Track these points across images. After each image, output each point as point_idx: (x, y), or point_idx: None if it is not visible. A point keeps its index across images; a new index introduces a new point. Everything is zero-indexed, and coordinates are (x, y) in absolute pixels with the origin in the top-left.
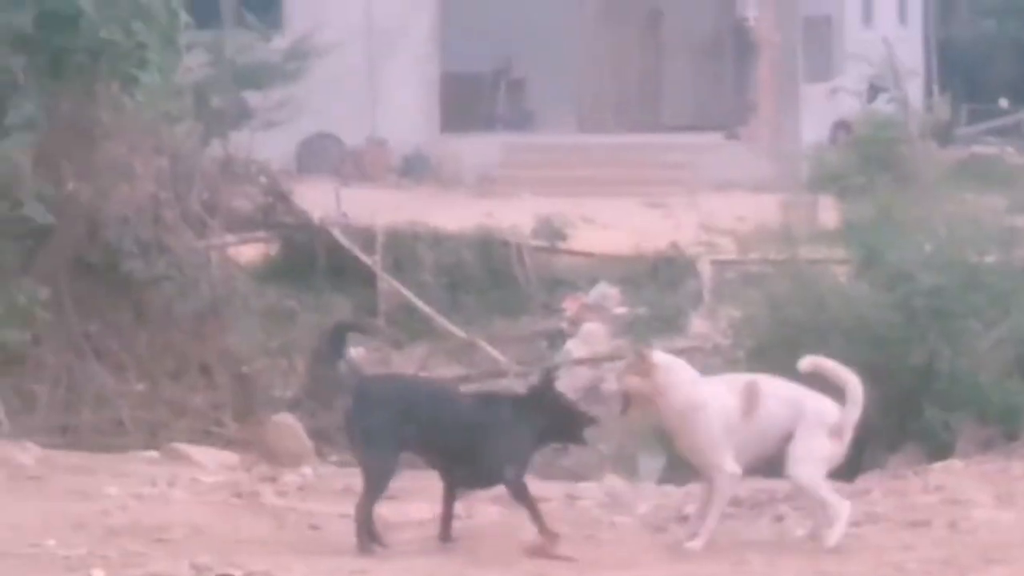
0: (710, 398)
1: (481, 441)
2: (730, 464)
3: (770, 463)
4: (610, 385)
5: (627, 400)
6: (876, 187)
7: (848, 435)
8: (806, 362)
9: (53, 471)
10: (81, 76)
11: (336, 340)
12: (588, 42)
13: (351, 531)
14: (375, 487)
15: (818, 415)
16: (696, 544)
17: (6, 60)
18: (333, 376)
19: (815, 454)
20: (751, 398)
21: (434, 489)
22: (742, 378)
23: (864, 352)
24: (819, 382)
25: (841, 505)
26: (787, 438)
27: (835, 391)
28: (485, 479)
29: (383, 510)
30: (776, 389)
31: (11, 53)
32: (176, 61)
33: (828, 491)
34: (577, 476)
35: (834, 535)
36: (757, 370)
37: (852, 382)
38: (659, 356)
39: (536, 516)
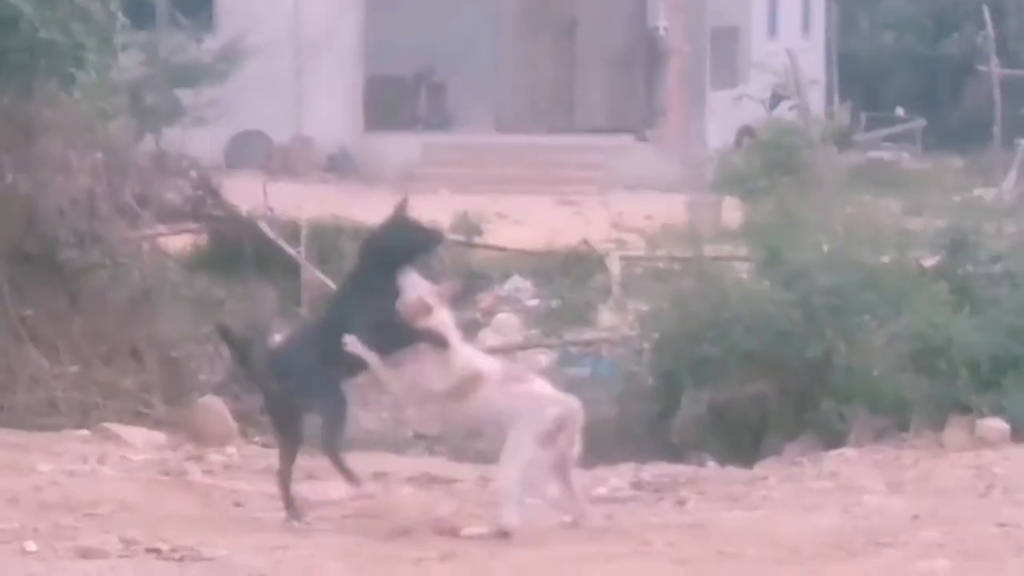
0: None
1: None
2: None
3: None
4: None
5: None
6: (778, 189)
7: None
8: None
9: None
10: (20, 74)
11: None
12: (506, 48)
13: (274, 508)
14: None
15: (530, 418)
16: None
17: None
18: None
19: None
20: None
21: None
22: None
23: (764, 345)
24: None
25: (512, 520)
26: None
27: None
28: None
29: (303, 489)
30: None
31: None
32: (112, 60)
33: (514, 502)
34: (489, 459)
35: (479, 532)
36: (663, 361)
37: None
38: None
39: None
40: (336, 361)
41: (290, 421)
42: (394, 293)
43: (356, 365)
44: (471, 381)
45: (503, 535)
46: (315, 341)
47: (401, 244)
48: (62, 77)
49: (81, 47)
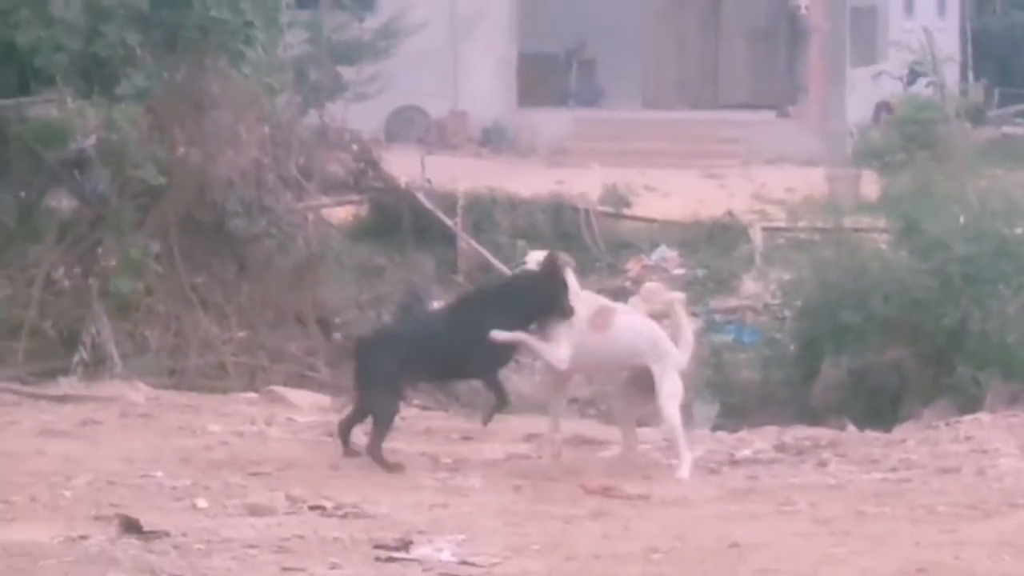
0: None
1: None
2: (563, 352)
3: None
4: None
5: None
6: (915, 163)
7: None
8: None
9: (162, 409)
10: (192, 51)
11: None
12: (654, 26)
13: (431, 468)
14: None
15: (671, 357)
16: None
17: (123, 35)
18: None
19: (676, 391)
20: (601, 319)
21: (505, 432)
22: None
23: (901, 314)
24: None
25: (687, 453)
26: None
27: None
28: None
29: (461, 448)
30: (631, 323)
31: (128, 29)
32: (278, 38)
33: (682, 435)
34: (638, 423)
35: (683, 473)
36: (804, 328)
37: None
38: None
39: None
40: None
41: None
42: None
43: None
44: (606, 310)
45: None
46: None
47: (534, 300)
48: (232, 54)
49: (250, 25)
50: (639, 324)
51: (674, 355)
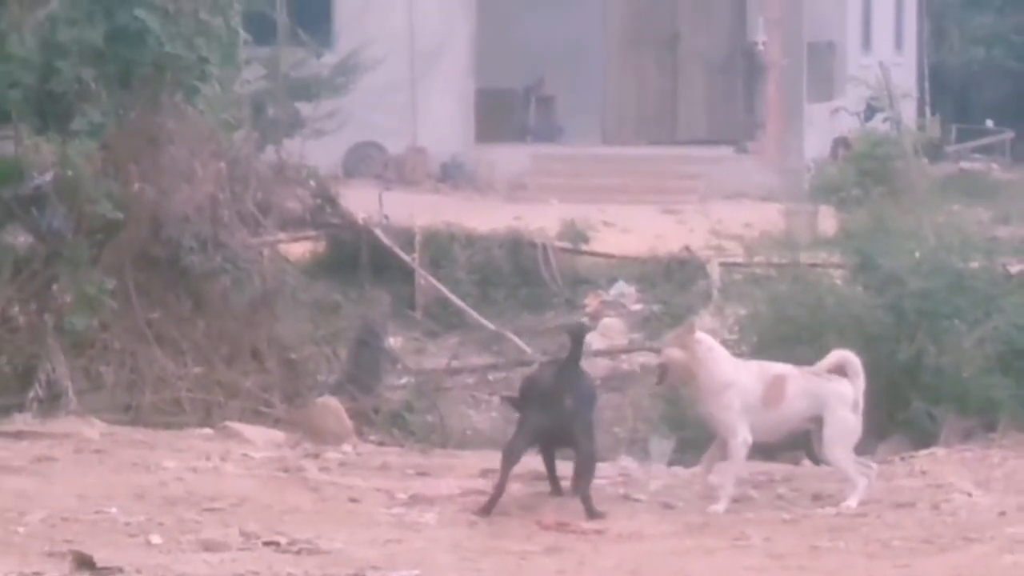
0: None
1: None
2: (744, 433)
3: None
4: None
5: (665, 370)
6: (871, 198)
7: (861, 406)
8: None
9: (116, 445)
10: (147, 86)
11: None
12: (612, 63)
13: (387, 504)
14: None
15: (839, 396)
16: (718, 507)
17: (78, 71)
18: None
19: (843, 433)
20: (776, 390)
21: (461, 467)
22: (772, 369)
23: (857, 348)
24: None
25: (861, 481)
26: (808, 422)
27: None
28: None
29: (416, 484)
30: (800, 383)
31: (83, 65)
32: (235, 74)
33: (851, 468)
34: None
35: (850, 504)
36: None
37: (853, 361)
38: (701, 333)
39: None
40: None
41: None
42: None
43: None
44: (779, 381)
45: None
46: None
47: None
48: (187, 90)
49: (205, 61)
50: (811, 385)
51: (841, 393)
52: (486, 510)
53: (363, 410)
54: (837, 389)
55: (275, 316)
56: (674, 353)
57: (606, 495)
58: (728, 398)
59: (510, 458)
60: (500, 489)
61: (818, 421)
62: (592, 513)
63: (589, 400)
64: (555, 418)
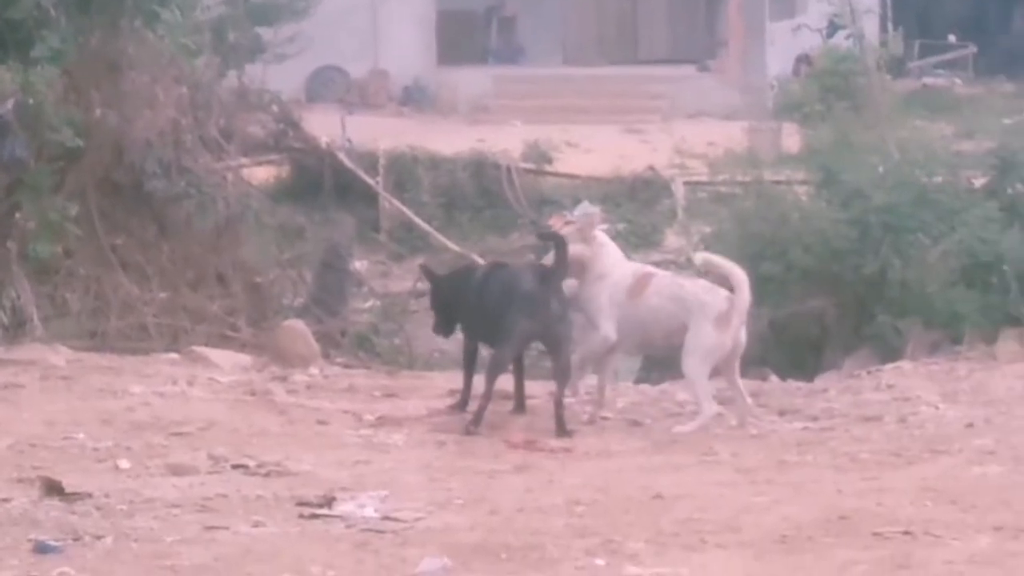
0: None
1: None
2: (607, 329)
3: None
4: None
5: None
6: (835, 115)
7: (737, 322)
8: (698, 258)
9: (83, 372)
10: (106, 12)
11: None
12: None
13: (354, 425)
14: None
15: (702, 307)
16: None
17: None
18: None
19: (701, 345)
20: (639, 285)
21: (428, 388)
22: (645, 269)
23: (822, 263)
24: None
25: (707, 407)
26: (676, 330)
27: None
28: None
29: (384, 405)
30: (663, 283)
31: None
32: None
33: (702, 389)
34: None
35: (688, 428)
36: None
37: (738, 275)
38: (599, 230)
39: None
40: None
41: None
42: None
43: None
44: (644, 277)
45: (707, 421)
46: None
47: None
48: (146, 15)
49: None
50: (674, 289)
51: (707, 306)
52: (475, 422)
53: (329, 333)
54: (701, 298)
55: (240, 240)
56: (575, 244)
57: (574, 413)
58: (599, 289)
59: (502, 365)
60: (487, 399)
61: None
62: (562, 425)
63: (568, 306)
64: (543, 322)
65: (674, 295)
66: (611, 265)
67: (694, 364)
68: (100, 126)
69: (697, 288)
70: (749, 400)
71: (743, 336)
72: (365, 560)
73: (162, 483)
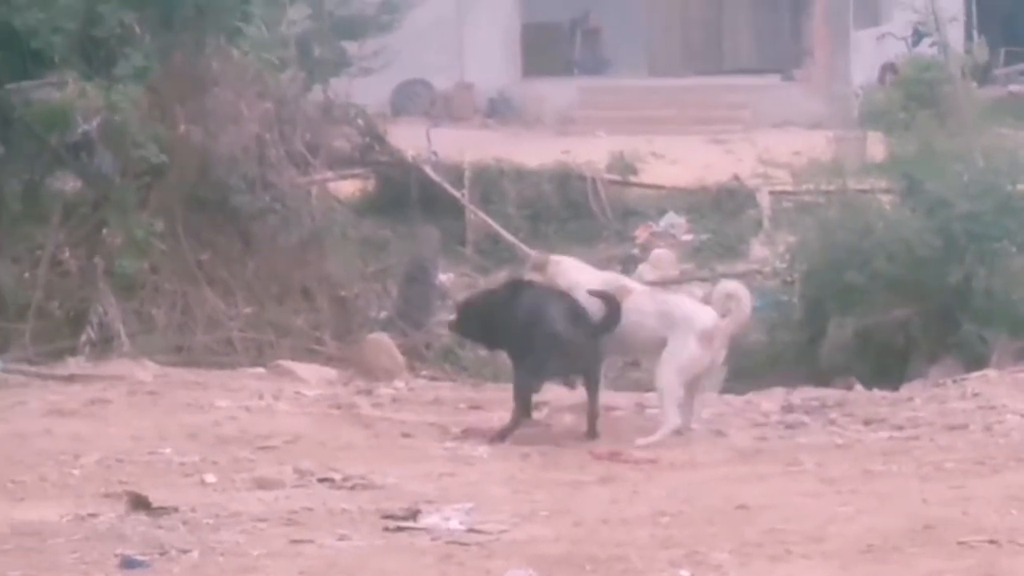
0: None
1: None
2: None
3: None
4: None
5: None
6: (919, 123)
7: (720, 343)
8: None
9: (169, 386)
10: (190, 29)
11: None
12: None
13: (439, 438)
14: None
15: (687, 321)
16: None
17: (120, 15)
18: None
19: (680, 358)
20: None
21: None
22: (620, 283)
23: (906, 273)
24: None
25: (672, 420)
26: (658, 344)
27: None
28: None
29: (469, 418)
30: (641, 301)
31: (125, 9)
32: (280, 14)
33: (672, 401)
34: (645, 387)
35: (651, 440)
36: (811, 290)
37: (737, 293)
38: (556, 257)
39: None
40: None
41: None
42: None
43: None
44: (621, 291)
45: (669, 435)
46: None
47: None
48: (230, 31)
49: (246, 2)
50: (643, 303)
51: (693, 320)
52: (501, 436)
53: (415, 346)
54: (686, 313)
55: (325, 254)
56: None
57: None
58: None
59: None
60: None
61: None
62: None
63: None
64: (582, 340)
65: (657, 311)
66: (573, 284)
67: (669, 375)
68: (185, 142)
69: (683, 302)
70: (701, 417)
71: (721, 358)
72: (449, 572)
73: (248, 497)
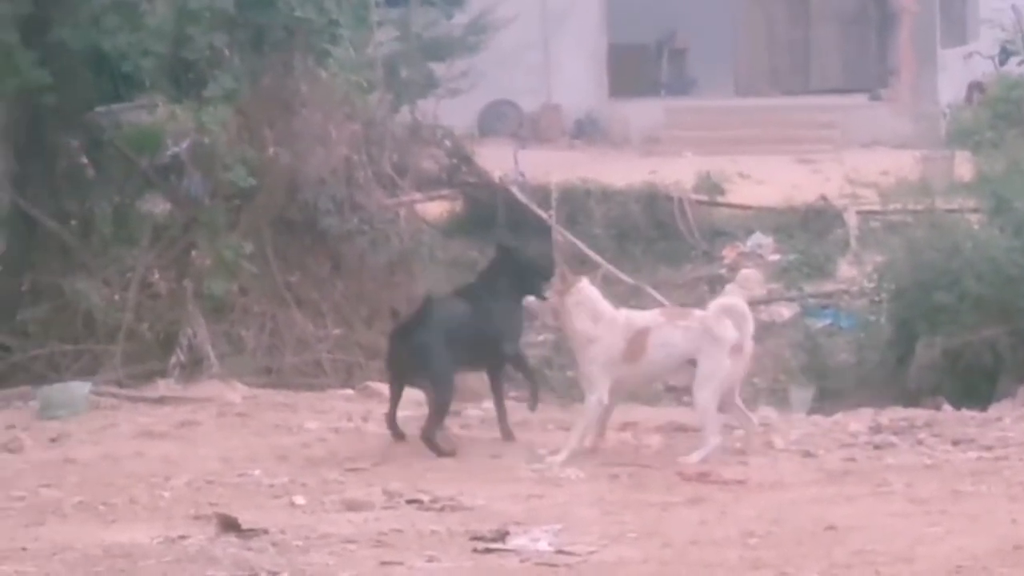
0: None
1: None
2: (601, 392)
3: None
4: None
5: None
6: (1007, 142)
7: (748, 348)
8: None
9: (259, 408)
10: (279, 51)
11: None
12: (743, 13)
13: (528, 459)
14: None
15: (713, 338)
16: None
17: (210, 38)
18: None
19: (716, 376)
20: (637, 345)
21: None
22: (638, 323)
23: (995, 292)
24: None
25: (714, 437)
26: (688, 364)
27: None
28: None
29: (557, 438)
30: (664, 333)
31: (214, 31)
32: (368, 36)
33: (712, 419)
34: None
35: (694, 458)
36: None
37: (737, 307)
38: (582, 286)
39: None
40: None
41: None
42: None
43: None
44: (639, 335)
45: (711, 452)
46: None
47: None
48: (318, 53)
49: (336, 24)
50: (672, 336)
51: (716, 335)
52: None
53: None
54: (713, 331)
55: (413, 276)
56: (554, 301)
57: (746, 444)
58: (591, 353)
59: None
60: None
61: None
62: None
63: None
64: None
65: (684, 337)
66: (593, 327)
67: (707, 396)
68: (273, 164)
69: (706, 320)
70: (755, 420)
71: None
72: None
73: (337, 519)
